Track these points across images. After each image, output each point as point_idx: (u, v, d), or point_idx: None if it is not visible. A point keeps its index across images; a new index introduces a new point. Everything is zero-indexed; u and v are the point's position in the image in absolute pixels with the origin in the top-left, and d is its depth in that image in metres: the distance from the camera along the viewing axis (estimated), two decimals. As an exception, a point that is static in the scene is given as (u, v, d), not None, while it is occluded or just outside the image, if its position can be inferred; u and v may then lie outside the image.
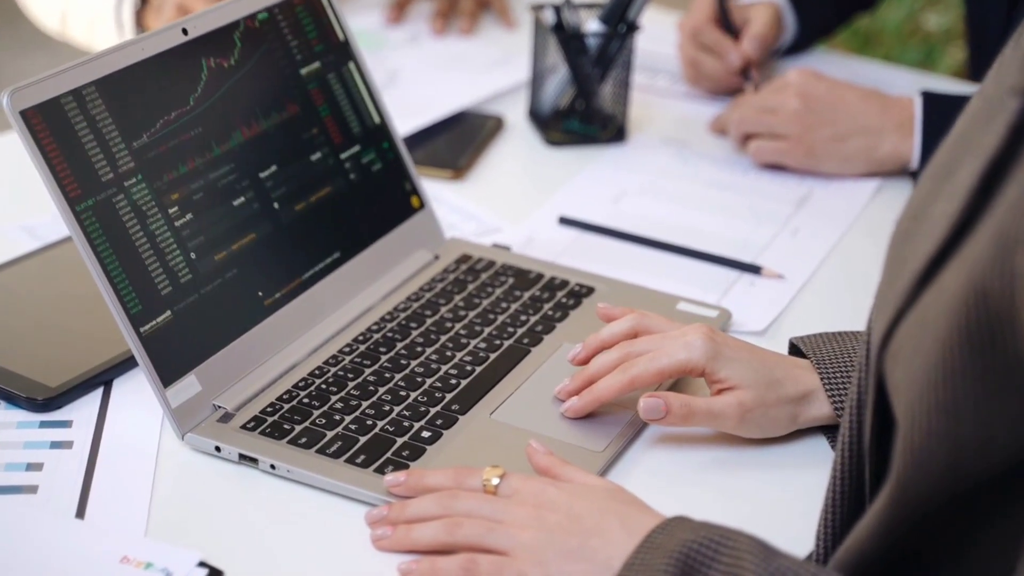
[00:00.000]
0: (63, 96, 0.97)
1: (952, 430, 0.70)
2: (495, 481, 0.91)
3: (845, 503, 0.86)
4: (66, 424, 1.01)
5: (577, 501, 0.88)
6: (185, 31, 1.06)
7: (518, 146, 1.51)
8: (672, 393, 1.00)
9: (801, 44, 1.69)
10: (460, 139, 1.49)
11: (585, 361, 1.05)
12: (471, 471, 0.92)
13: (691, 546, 0.81)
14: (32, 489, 0.94)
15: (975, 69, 1.77)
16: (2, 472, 0.95)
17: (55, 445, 0.98)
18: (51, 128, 0.95)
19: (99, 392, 1.04)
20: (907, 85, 1.63)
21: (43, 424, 1.00)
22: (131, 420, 1.02)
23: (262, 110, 1.11)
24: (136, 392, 1.04)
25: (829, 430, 1.04)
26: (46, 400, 1.01)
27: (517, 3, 1.87)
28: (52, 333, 1.10)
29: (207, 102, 1.06)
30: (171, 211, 1.01)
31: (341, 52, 1.19)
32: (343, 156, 1.17)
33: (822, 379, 1.01)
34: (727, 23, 1.58)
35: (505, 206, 1.38)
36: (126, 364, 1.06)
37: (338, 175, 1.16)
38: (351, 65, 1.20)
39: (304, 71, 1.15)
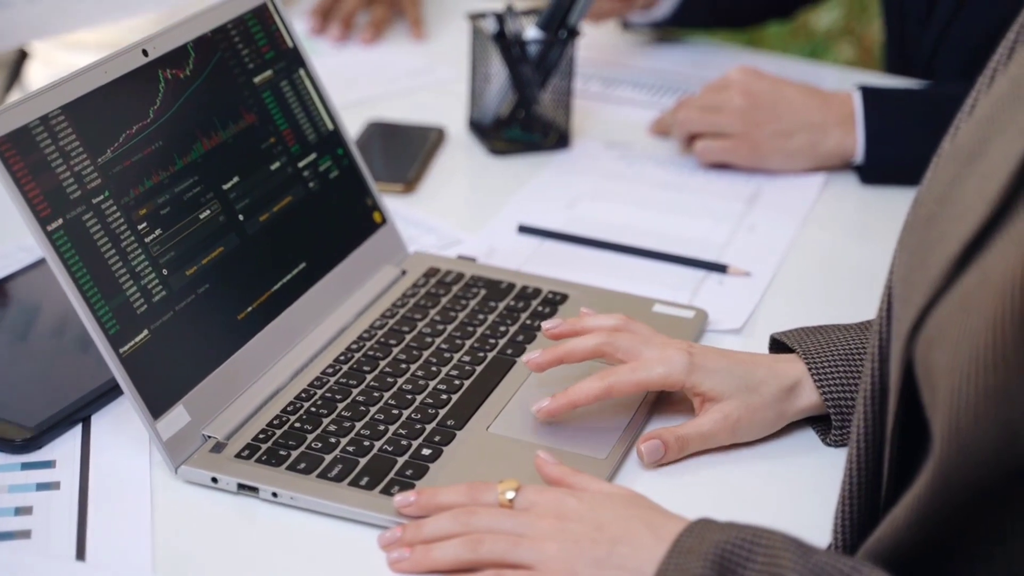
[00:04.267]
0: (32, 123, 0.93)
1: (1002, 414, 0.70)
2: (510, 495, 0.89)
3: (863, 495, 0.86)
4: (49, 464, 0.97)
5: (598, 509, 0.87)
6: (145, 52, 1.03)
7: (462, 157, 1.50)
8: (665, 429, 1.00)
9: (683, 21, 1.70)
10: (404, 153, 1.47)
11: (558, 336, 1.04)
12: (485, 486, 0.90)
13: (725, 547, 0.80)
14: (25, 534, 0.90)
15: (892, 55, 1.79)
16: (-9, 519, 0.91)
17: (42, 487, 0.94)
18: (22, 156, 0.92)
19: (78, 430, 1.00)
20: (835, 82, 1.65)
21: (25, 466, 0.96)
22: (116, 456, 0.98)
23: (220, 120, 1.08)
24: (117, 427, 1.01)
25: (816, 421, 1.04)
26: (25, 441, 0.97)
27: (445, 11, 1.86)
28: (19, 371, 1.06)
29: (166, 114, 1.03)
30: (140, 227, 0.99)
31: (292, 59, 1.17)
32: (301, 164, 1.15)
33: (809, 369, 1.01)
34: None
35: (460, 217, 1.37)
36: (103, 399, 1.02)
37: (298, 183, 1.14)
38: (302, 72, 1.18)
39: (257, 79, 1.13)
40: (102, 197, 0.96)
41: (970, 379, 0.69)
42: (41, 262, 1.20)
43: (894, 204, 1.41)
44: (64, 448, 0.98)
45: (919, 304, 0.74)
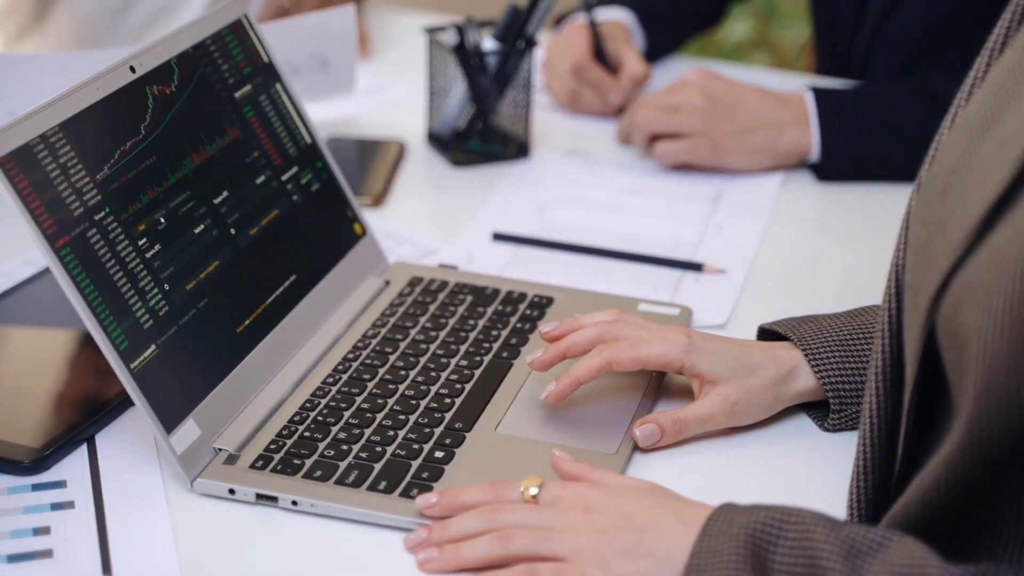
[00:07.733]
0: (32, 141, 0.93)
1: None
2: (534, 491, 0.90)
3: (876, 471, 0.88)
4: (60, 484, 0.96)
5: (623, 500, 0.88)
6: (132, 69, 1.03)
7: (424, 169, 1.51)
8: (661, 413, 1.02)
9: (650, 58, 1.73)
10: (367, 167, 1.47)
11: (556, 338, 1.05)
12: (507, 484, 0.91)
13: (755, 526, 0.82)
14: (47, 554, 0.89)
15: (823, 58, 1.83)
16: (10, 540, 0.90)
17: (56, 507, 0.93)
18: (25, 173, 0.92)
19: (83, 449, 0.99)
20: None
21: (36, 487, 0.95)
22: (126, 472, 0.97)
23: (206, 135, 1.09)
24: (122, 444, 1.00)
25: (810, 407, 1.06)
26: (33, 462, 0.96)
27: (384, 29, 1.86)
28: (19, 393, 1.04)
29: (156, 130, 1.04)
30: (141, 243, 0.98)
31: (268, 73, 1.18)
32: (284, 178, 1.16)
33: (805, 355, 1.03)
34: (603, 58, 1.61)
35: (432, 228, 1.38)
36: (107, 417, 1.02)
37: (283, 197, 1.15)
38: (278, 86, 1.18)
39: (238, 94, 1.14)
40: (103, 213, 0.96)
41: (1003, 332, 0.70)
42: (24, 285, 1.18)
43: (849, 200, 1.45)
44: (72, 467, 0.98)
45: (943, 268, 0.75)
